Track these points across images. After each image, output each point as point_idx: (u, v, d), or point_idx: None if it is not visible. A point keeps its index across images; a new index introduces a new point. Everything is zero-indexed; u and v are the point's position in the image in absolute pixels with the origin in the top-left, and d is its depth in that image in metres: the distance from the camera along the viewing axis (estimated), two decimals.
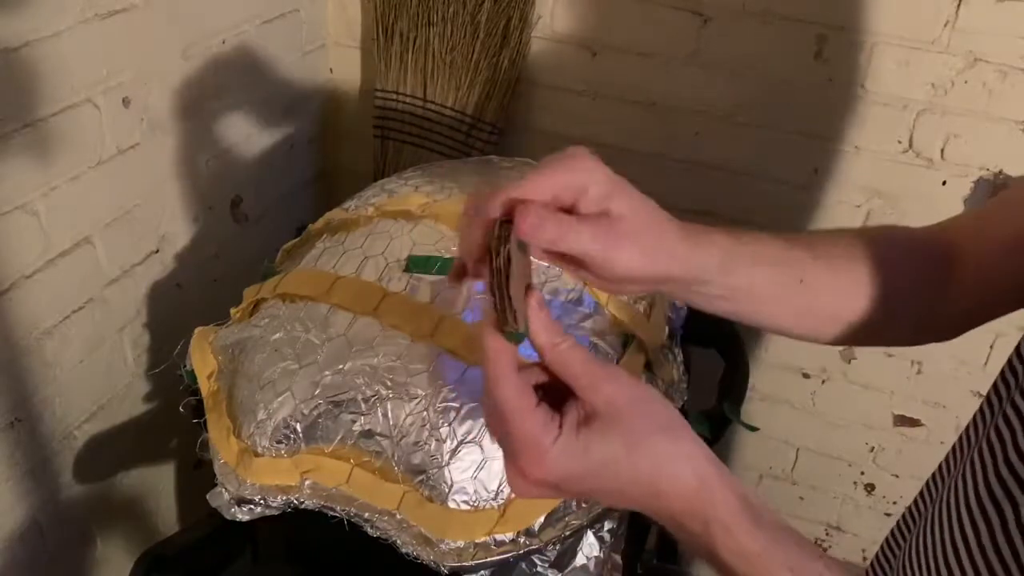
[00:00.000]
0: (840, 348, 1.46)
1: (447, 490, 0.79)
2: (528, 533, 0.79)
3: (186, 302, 1.25)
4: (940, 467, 0.55)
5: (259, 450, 0.84)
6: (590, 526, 0.82)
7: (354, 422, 0.82)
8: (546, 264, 0.88)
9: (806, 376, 1.50)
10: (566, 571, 0.82)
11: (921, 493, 0.56)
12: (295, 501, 0.82)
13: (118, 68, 1.04)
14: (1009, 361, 0.51)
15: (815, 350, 1.47)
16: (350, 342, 0.85)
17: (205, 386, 0.93)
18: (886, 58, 1.25)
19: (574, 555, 0.82)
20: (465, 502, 0.79)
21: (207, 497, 0.85)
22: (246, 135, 1.34)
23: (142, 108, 1.10)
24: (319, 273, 0.93)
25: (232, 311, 1.01)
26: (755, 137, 1.35)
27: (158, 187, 1.16)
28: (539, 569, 0.82)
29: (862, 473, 1.56)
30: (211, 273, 1.31)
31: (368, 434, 0.81)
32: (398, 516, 0.80)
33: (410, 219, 0.97)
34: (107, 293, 1.11)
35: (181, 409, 0.96)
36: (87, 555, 1.18)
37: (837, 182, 1.35)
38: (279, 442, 0.84)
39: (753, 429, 1.11)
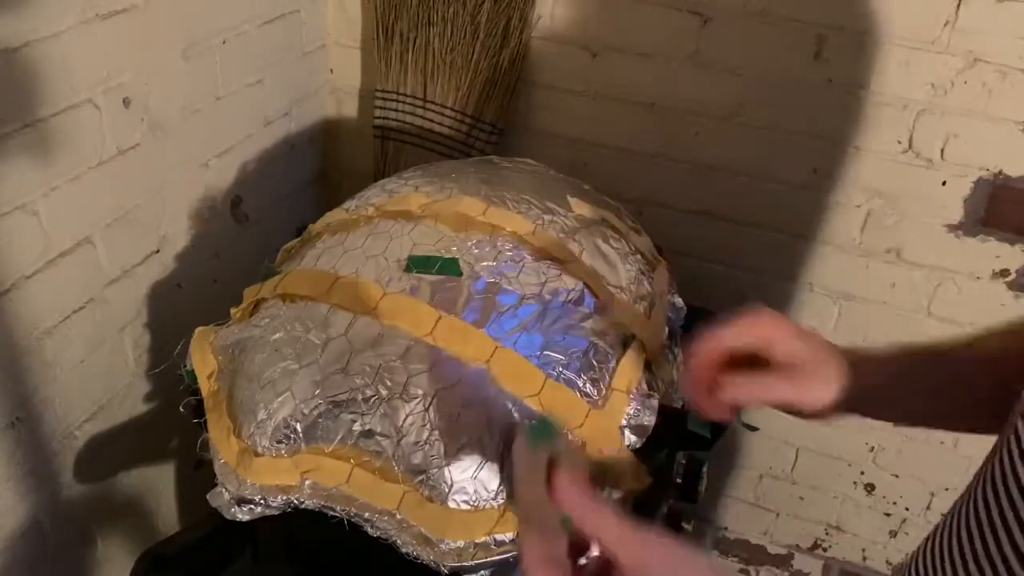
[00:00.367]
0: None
1: (447, 490, 0.79)
2: None
3: (186, 302, 1.25)
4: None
5: (259, 450, 0.84)
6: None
7: (354, 422, 0.82)
8: (545, 264, 0.88)
9: None
10: None
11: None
12: (295, 501, 0.82)
13: (118, 68, 1.04)
14: None
15: None
16: (350, 342, 0.85)
17: (205, 386, 0.93)
18: (886, 58, 1.25)
19: None
20: (465, 502, 0.79)
21: (207, 497, 0.85)
22: (246, 135, 1.34)
23: (142, 108, 1.10)
24: (319, 273, 0.93)
25: (232, 311, 1.01)
26: (755, 137, 1.35)
27: (158, 187, 1.16)
28: None
29: (862, 473, 1.56)
30: (211, 273, 1.31)
31: (368, 434, 0.81)
32: (398, 516, 0.80)
33: (410, 219, 0.97)
34: (107, 293, 1.11)
35: (181, 409, 0.96)
36: (87, 555, 1.18)
37: (837, 182, 1.35)
38: (279, 442, 0.84)
39: (753, 429, 1.11)
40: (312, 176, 1.58)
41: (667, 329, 0.98)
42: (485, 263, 0.91)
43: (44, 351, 1.03)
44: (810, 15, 1.26)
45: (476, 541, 0.78)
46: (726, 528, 1.72)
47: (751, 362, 0.59)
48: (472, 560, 0.77)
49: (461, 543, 0.78)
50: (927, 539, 0.56)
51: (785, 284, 1.44)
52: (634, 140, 1.42)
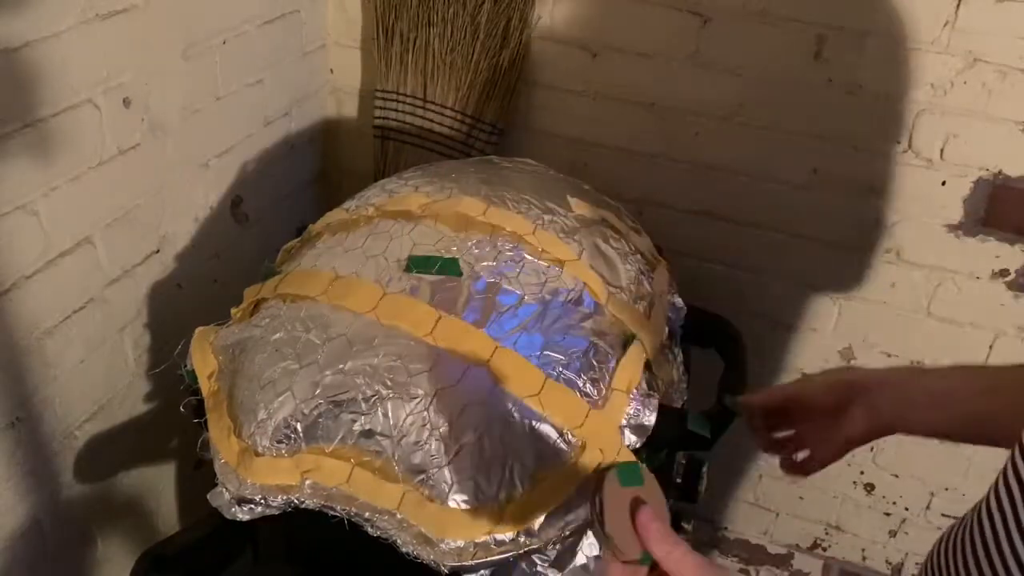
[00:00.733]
0: (840, 347, 1.46)
1: (447, 490, 0.79)
2: (528, 533, 0.79)
3: (186, 302, 1.25)
4: None
5: (259, 450, 0.84)
6: (590, 526, 0.82)
7: (354, 422, 0.82)
8: (545, 264, 0.88)
9: (806, 376, 1.50)
10: (566, 571, 0.82)
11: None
12: (295, 501, 0.82)
13: (118, 68, 1.04)
14: None
15: (815, 350, 1.48)
16: (350, 342, 0.85)
17: (205, 386, 0.93)
18: (886, 58, 1.25)
19: (574, 555, 0.82)
20: (465, 502, 0.79)
21: (207, 497, 0.85)
22: (246, 135, 1.34)
23: (142, 108, 1.10)
24: (319, 273, 0.93)
25: (232, 311, 1.01)
26: (755, 137, 1.35)
27: (158, 187, 1.16)
28: (539, 569, 0.82)
29: (862, 473, 1.57)
30: (211, 273, 1.31)
31: (368, 434, 0.81)
32: (398, 516, 0.80)
33: (410, 219, 0.97)
34: (108, 293, 1.11)
35: (181, 409, 0.96)
36: (87, 554, 1.18)
37: (836, 182, 1.35)
38: (279, 442, 0.84)
39: (714, 435, 1.10)
40: (312, 176, 1.58)
41: (667, 329, 0.98)
42: (485, 263, 0.91)
43: (44, 351, 1.03)
44: (810, 15, 1.26)
45: (476, 541, 0.78)
46: (726, 528, 1.72)
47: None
48: (472, 560, 0.77)
49: (461, 543, 0.78)
50: (939, 542, 0.56)
51: (785, 284, 1.44)
52: (634, 140, 1.42)
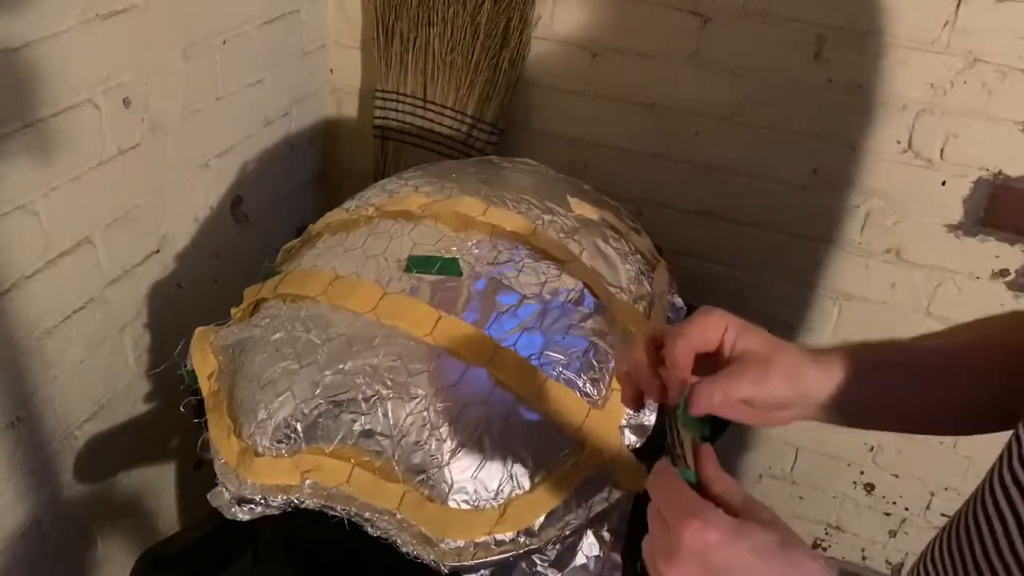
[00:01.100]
0: None
1: (447, 490, 0.79)
2: (528, 533, 0.79)
3: (186, 302, 1.25)
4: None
5: (260, 450, 0.84)
6: (590, 526, 0.82)
7: (354, 422, 0.82)
8: (545, 264, 0.88)
9: None
10: (566, 571, 0.82)
11: None
12: (295, 501, 0.82)
13: (118, 68, 1.04)
14: None
15: None
16: (350, 342, 0.85)
17: (206, 386, 0.93)
18: (885, 58, 1.25)
19: (574, 555, 0.82)
20: (465, 502, 0.79)
21: (208, 497, 0.85)
22: (246, 135, 1.34)
23: (142, 108, 1.10)
24: (319, 273, 0.93)
25: (232, 311, 1.01)
26: (755, 137, 1.35)
27: (158, 187, 1.16)
28: (539, 569, 0.82)
29: (862, 473, 1.57)
30: (211, 273, 1.31)
31: (368, 434, 0.81)
32: (398, 516, 0.80)
33: (410, 219, 0.97)
34: (108, 293, 1.11)
35: (182, 409, 0.96)
36: (88, 554, 1.18)
37: (836, 182, 1.35)
38: (280, 442, 0.84)
39: (714, 435, 1.10)
40: (312, 176, 1.58)
41: None
42: (485, 263, 0.91)
43: (44, 351, 1.03)
44: (810, 15, 1.26)
45: (476, 541, 0.78)
46: None
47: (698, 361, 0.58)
48: (472, 560, 0.77)
49: (461, 543, 0.78)
50: (935, 538, 0.56)
51: (785, 284, 1.44)
52: (634, 140, 1.42)
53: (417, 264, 0.90)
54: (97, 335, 1.11)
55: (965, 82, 1.23)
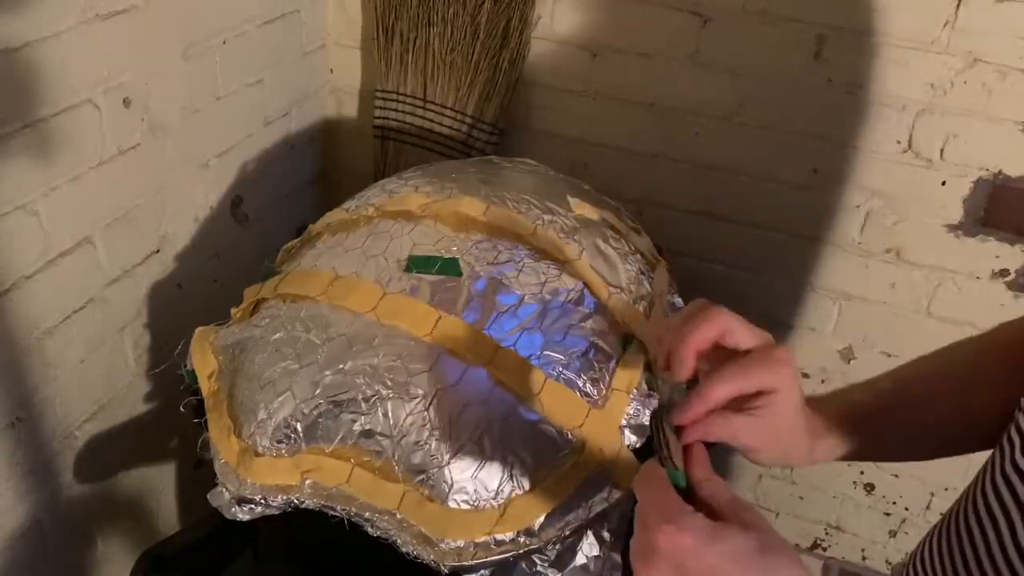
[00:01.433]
0: (840, 347, 1.46)
1: (447, 490, 0.79)
2: (528, 533, 0.79)
3: (186, 302, 1.25)
4: None
5: (260, 450, 0.84)
6: (590, 526, 0.82)
7: (354, 422, 0.82)
8: (545, 264, 0.88)
9: (806, 376, 1.50)
10: (566, 571, 0.82)
11: None
12: (295, 501, 0.82)
13: (118, 68, 1.04)
14: None
15: (815, 350, 1.48)
16: (350, 342, 0.85)
17: (206, 386, 0.93)
18: (885, 58, 1.25)
19: (574, 555, 0.82)
20: (465, 502, 0.79)
21: (207, 497, 0.85)
22: (246, 135, 1.34)
23: (142, 108, 1.10)
24: (319, 273, 0.93)
25: (232, 311, 1.01)
26: (755, 137, 1.35)
27: (158, 187, 1.16)
28: (539, 569, 0.82)
29: (862, 473, 1.57)
30: (211, 273, 1.31)
31: (368, 434, 0.81)
32: (398, 516, 0.80)
33: (410, 219, 0.97)
34: (108, 293, 1.11)
35: (182, 409, 0.96)
36: (87, 555, 1.18)
37: (837, 182, 1.35)
38: (279, 442, 0.84)
39: None
40: (312, 176, 1.58)
41: None
42: (485, 263, 0.91)
43: (44, 351, 1.03)
44: (810, 15, 1.26)
45: (476, 541, 0.78)
46: None
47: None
48: (472, 560, 0.77)
49: (461, 543, 0.78)
50: (926, 538, 0.56)
51: (785, 284, 1.44)
52: (634, 140, 1.42)
53: (417, 264, 0.90)
54: (97, 335, 1.11)
55: (965, 82, 1.23)
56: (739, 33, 1.30)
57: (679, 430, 0.53)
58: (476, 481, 0.79)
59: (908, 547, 1.60)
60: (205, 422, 0.90)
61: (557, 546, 0.81)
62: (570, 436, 0.82)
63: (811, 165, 1.35)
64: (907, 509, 1.56)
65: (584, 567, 0.83)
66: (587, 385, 0.85)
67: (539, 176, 1.13)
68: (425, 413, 0.80)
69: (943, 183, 1.30)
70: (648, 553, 0.45)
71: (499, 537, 0.78)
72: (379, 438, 0.81)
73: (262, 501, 0.83)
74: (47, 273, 1.00)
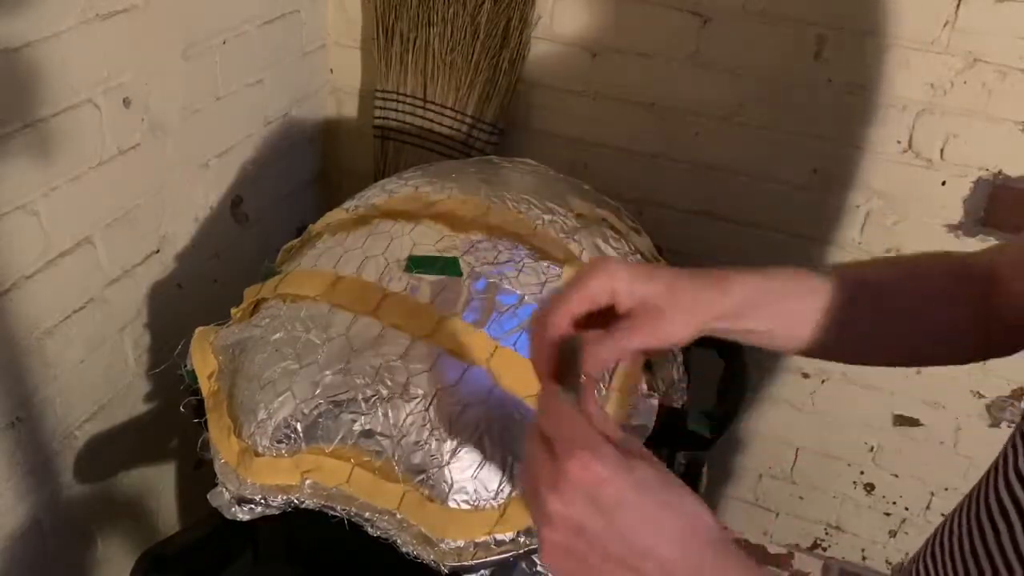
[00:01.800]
0: None
1: (447, 490, 0.79)
2: (528, 533, 0.79)
3: (186, 302, 1.25)
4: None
5: (260, 450, 0.84)
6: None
7: (354, 422, 0.82)
8: (545, 264, 0.88)
9: (806, 376, 1.50)
10: None
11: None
12: (295, 501, 0.82)
13: (118, 68, 1.04)
14: None
15: None
16: (350, 342, 0.85)
17: (206, 386, 0.93)
18: (885, 58, 1.25)
19: None
20: (465, 501, 0.79)
21: (207, 497, 0.85)
22: (246, 135, 1.34)
23: (142, 108, 1.10)
24: (319, 273, 0.93)
25: (232, 311, 1.01)
26: (755, 137, 1.35)
27: (158, 187, 1.16)
28: (539, 569, 0.82)
29: (862, 473, 1.57)
30: (211, 273, 1.31)
31: (368, 434, 0.81)
32: (398, 516, 0.80)
33: (410, 219, 0.97)
34: (108, 293, 1.11)
35: (182, 409, 0.96)
36: (87, 554, 1.18)
37: (837, 182, 1.35)
38: (279, 442, 0.84)
39: (705, 432, 1.06)
40: (312, 176, 1.58)
41: None
42: (485, 263, 0.91)
43: (44, 351, 1.03)
44: (810, 15, 1.26)
45: (476, 540, 0.78)
46: (726, 528, 1.72)
47: (605, 313, 0.55)
48: (472, 559, 0.78)
49: (461, 543, 0.78)
50: (930, 539, 0.56)
51: None
52: (634, 140, 1.42)
53: (417, 264, 0.90)
54: (97, 335, 1.11)
55: (965, 82, 1.23)
56: (739, 33, 1.30)
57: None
58: (476, 481, 0.79)
59: (908, 547, 1.60)
60: (205, 422, 0.90)
61: None
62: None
63: (811, 165, 1.35)
64: (907, 509, 1.56)
65: None
66: None
67: (539, 176, 1.13)
68: (425, 413, 0.80)
69: (943, 183, 1.30)
70: (555, 482, 0.43)
71: (499, 537, 0.78)
72: (379, 438, 0.81)
73: (262, 501, 0.83)
74: (47, 273, 1.00)
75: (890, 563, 1.63)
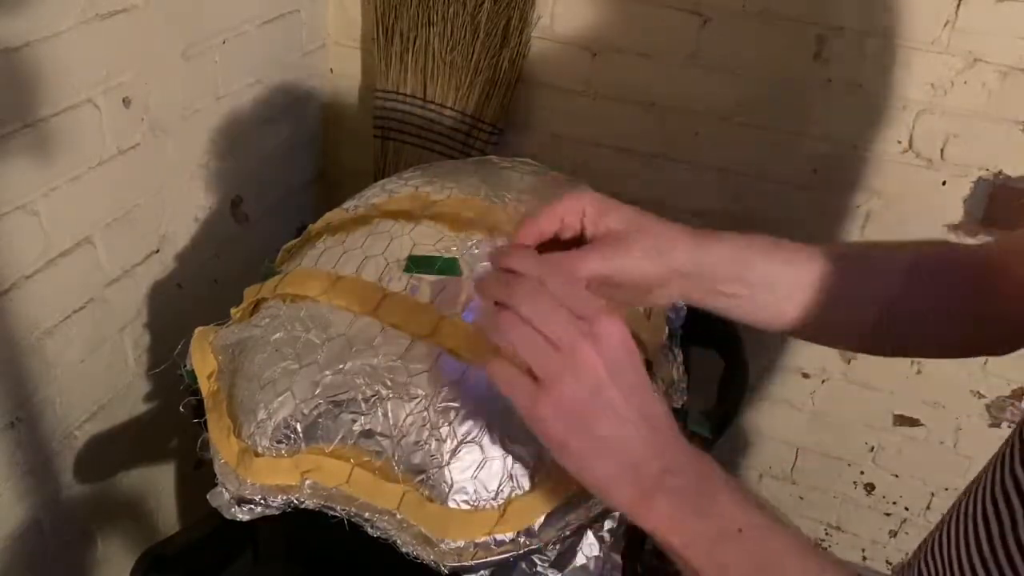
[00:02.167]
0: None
1: (447, 490, 0.79)
2: (528, 533, 0.79)
3: (186, 302, 1.25)
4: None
5: (259, 450, 0.84)
6: (590, 526, 0.82)
7: (354, 422, 0.82)
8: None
9: (806, 376, 1.50)
10: (566, 571, 0.82)
11: None
12: (295, 501, 0.82)
13: (118, 68, 1.04)
14: None
15: (815, 350, 1.47)
16: (350, 342, 0.85)
17: (205, 386, 0.93)
18: (886, 58, 1.25)
19: (574, 555, 0.82)
20: (465, 502, 0.79)
21: (207, 497, 0.85)
22: (246, 135, 1.34)
23: (142, 108, 1.10)
24: (319, 273, 0.93)
25: (232, 311, 1.01)
26: (755, 137, 1.35)
27: (158, 187, 1.16)
28: (539, 569, 0.82)
29: (862, 473, 1.57)
30: (211, 273, 1.31)
31: (368, 434, 0.81)
32: (398, 516, 0.80)
33: (410, 219, 0.97)
34: (108, 293, 1.11)
35: (181, 409, 0.96)
36: (87, 555, 1.18)
37: (837, 182, 1.35)
38: (279, 442, 0.84)
39: (705, 434, 1.07)
40: (312, 176, 1.58)
41: (667, 329, 0.98)
42: (485, 263, 0.91)
43: (44, 351, 1.03)
44: (810, 15, 1.26)
45: (476, 541, 0.78)
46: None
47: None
48: (472, 560, 0.77)
49: (461, 543, 0.78)
50: (930, 537, 0.56)
51: None
52: (634, 140, 1.42)
53: (417, 264, 0.90)
54: (97, 335, 1.11)
55: (965, 82, 1.23)
56: (739, 33, 1.30)
57: None
58: (476, 481, 0.79)
59: (908, 547, 1.60)
60: (205, 422, 0.90)
61: (557, 546, 0.81)
62: None
63: (811, 165, 1.35)
64: (907, 509, 1.56)
65: (584, 567, 0.83)
66: None
67: (539, 176, 1.13)
68: (425, 413, 0.80)
69: (943, 183, 1.30)
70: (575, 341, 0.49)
71: (499, 537, 0.78)
72: (379, 438, 0.81)
73: (262, 501, 0.83)
74: (47, 273, 1.00)
75: (890, 563, 1.63)
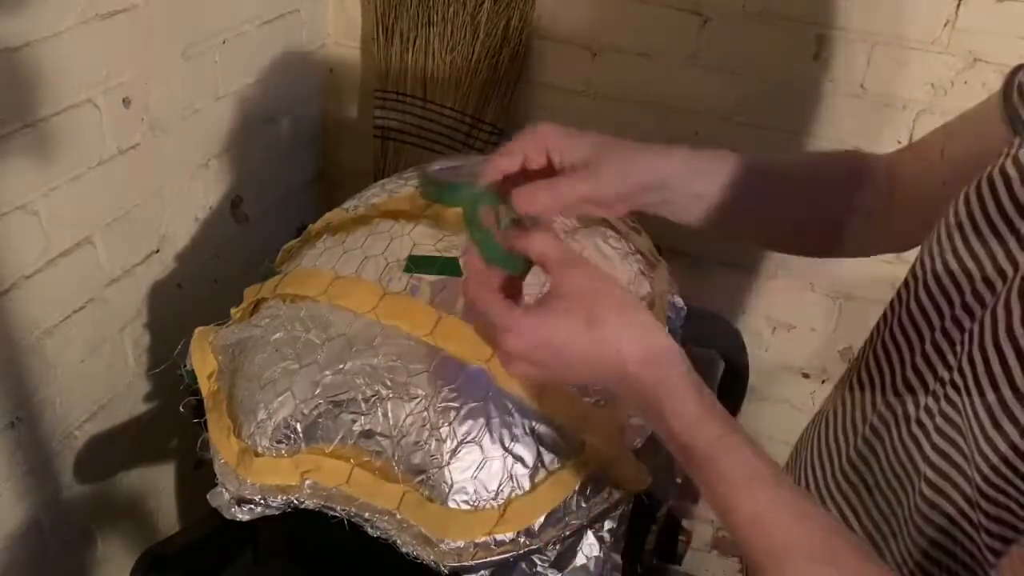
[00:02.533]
0: (840, 347, 1.46)
1: (447, 490, 0.79)
2: (528, 533, 0.79)
3: (186, 302, 1.25)
4: None
5: (259, 450, 0.84)
6: (590, 526, 0.82)
7: (354, 422, 0.82)
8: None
9: (806, 376, 1.50)
10: (566, 571, 0.82)
11: None
12: (295, 501, 0.82)
13: (118, 68, 1.04)
14: None
15: (815, 350, 1.48)
16: (350, 342, 0.85)
17: (205, 386, 0.93)
18: (886, 58, 1.25)
19: (574, 555, 0.82)
20: (465, 502, 0.79)
21: (207, 497, 0.85)
22: (246, 135, 1.34)
23: (142, 108, 1.10)
24: (319, 273, 0.93)
25: (232, 311, 1.01)
26: (755, 137, 1.35)
27: (158, 187, 1.17)
28: (539, 569, 0.82)
29: None
30: (211, 273, 1.31)
31: (368, 434, 0.81)
32: (398, 516, 0.80)
33: (410, 219, 0.97)
34: (108, 293, 1.11)
35: (181, 409, 0.96)
36: (87, 555, 1.18)
37: None
38: (279, 442, 0.84)
39: None
40: (312, 176, 1.58)
41: (667, 329, 0.98)
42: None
43: (44, 351, 1.03)
44: (810, 15, 1.26)
45: (476, 541, 0.78)
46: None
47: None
48: (472, 560, 0.77)
49: (461, 543, 0.78)
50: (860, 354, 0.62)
51: (785, 284, 1.44)
52: (634, 140, 1.42)
53: (417, 264, 0.90)
54: (97, 335, 1.11)
55: (965, 82, 1.23)
56: (739, 33, 1.30)
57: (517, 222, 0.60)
58: (476, 481, 0.79)
59: None
60: (205, 422, 0.90)
61: (557, 546, 0.81)
62: (570, 436, 0.82)
63: None
64: None
65: (584, 567, 0.83)
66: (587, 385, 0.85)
67: None
68: (425, 413, 0.80)
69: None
70: (507, 358, 0.56)
71: (499, 537, 0.78)
72: (379, 438, 0.81)
73: (262, 501, 0.83)
74: (47, 273, 1.00)
75: None
